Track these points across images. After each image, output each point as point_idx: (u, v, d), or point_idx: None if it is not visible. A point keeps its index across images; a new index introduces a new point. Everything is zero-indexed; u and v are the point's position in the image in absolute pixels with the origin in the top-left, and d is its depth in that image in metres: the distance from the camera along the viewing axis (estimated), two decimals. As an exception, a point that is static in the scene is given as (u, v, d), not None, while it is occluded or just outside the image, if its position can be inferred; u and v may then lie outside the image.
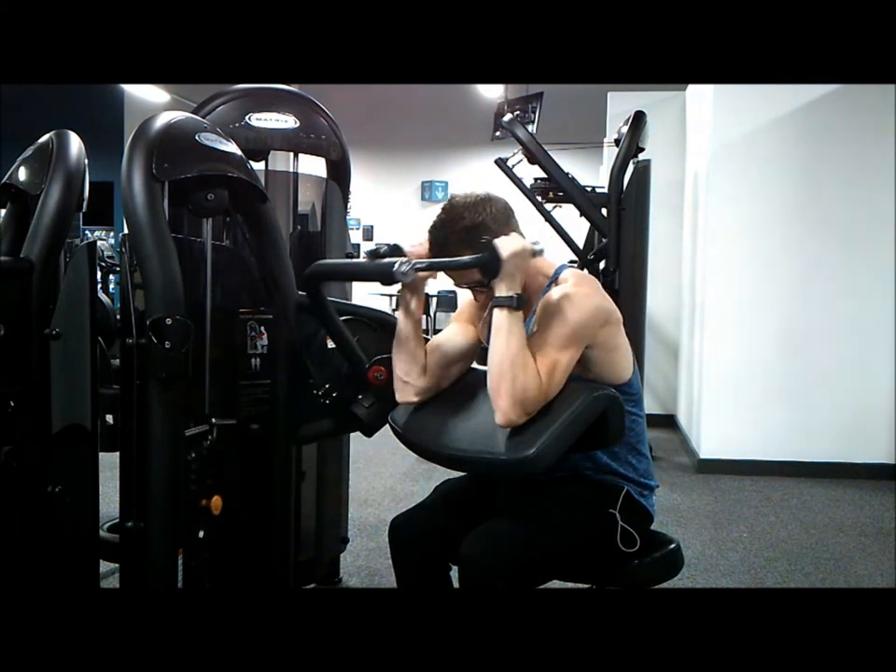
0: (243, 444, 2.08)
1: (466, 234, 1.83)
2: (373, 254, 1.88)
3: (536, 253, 1.79)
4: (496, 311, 1.77)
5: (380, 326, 2.27)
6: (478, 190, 1.90)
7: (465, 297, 2.12)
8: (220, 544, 1.96)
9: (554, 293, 1.83)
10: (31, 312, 1.88)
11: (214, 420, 1.94)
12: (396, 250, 1.90)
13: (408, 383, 1.94)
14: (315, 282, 2.05)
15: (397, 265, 1.80)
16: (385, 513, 3.91)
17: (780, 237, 4.89)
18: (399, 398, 1.97)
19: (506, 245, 1.74)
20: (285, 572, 2.21)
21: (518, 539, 1.76)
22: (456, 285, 1.94)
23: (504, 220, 1.88)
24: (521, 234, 1.90)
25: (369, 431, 2.17)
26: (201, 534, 1.87)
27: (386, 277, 1.82)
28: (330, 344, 2.19)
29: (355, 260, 1.96)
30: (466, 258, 1.79)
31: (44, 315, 1.89)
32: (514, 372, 1.71)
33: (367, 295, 11.23)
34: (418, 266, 1.83)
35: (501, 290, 1.76)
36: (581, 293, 1.81)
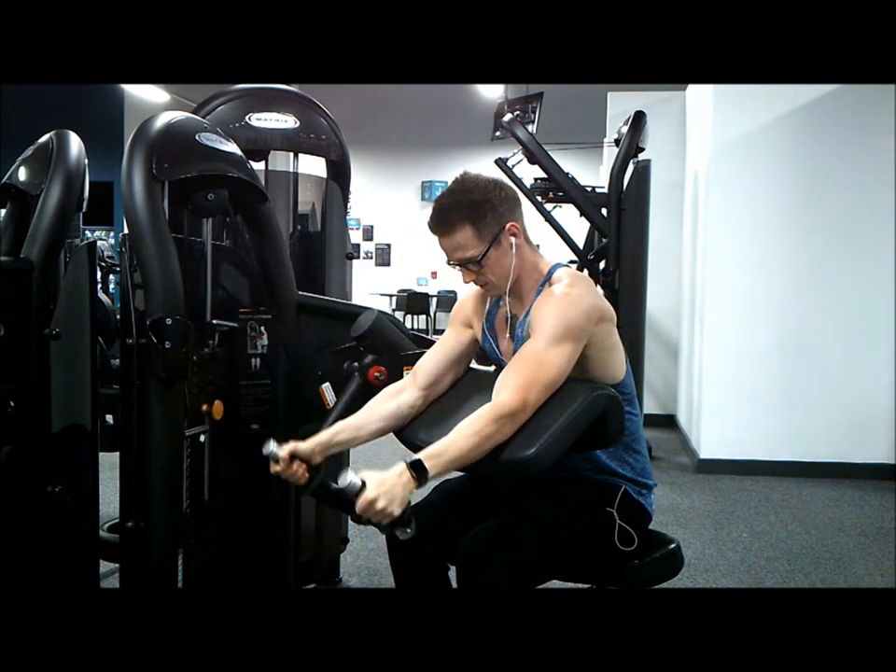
0: (243, 444, 2.08)
1: (469, 208, 1.84)
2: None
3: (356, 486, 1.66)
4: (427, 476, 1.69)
5: (340, 317, 2.26)
6: (490, 174, 1.92)
7: (462, 297, 2.12)
8: (221, 544, 1.96)
9: (548, 292, 1.84)
10: (31, 312, 1.88)
11: (215, 322, 1.94)
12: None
13: (398, 415, 1.95)
14: None
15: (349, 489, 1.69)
16: (384, 513, 3.90)
17: (780, 237, 4.89)
18: None
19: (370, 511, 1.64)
20: (285, 572, 2.21)
21: (517, 538, 1.76)
22: (447, 263, 1.93)
23: (510, 206, 1.88)
24: (522, 226, 1.90)
25: None
26: (202, 437, 1.88)
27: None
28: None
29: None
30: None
31: (44, 314, 1.89)
32: (483, 435, 1.68)
33: (367, 295, 11.27)
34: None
35: (405, 494, 1.66)
36: (574, 292, 1.82)
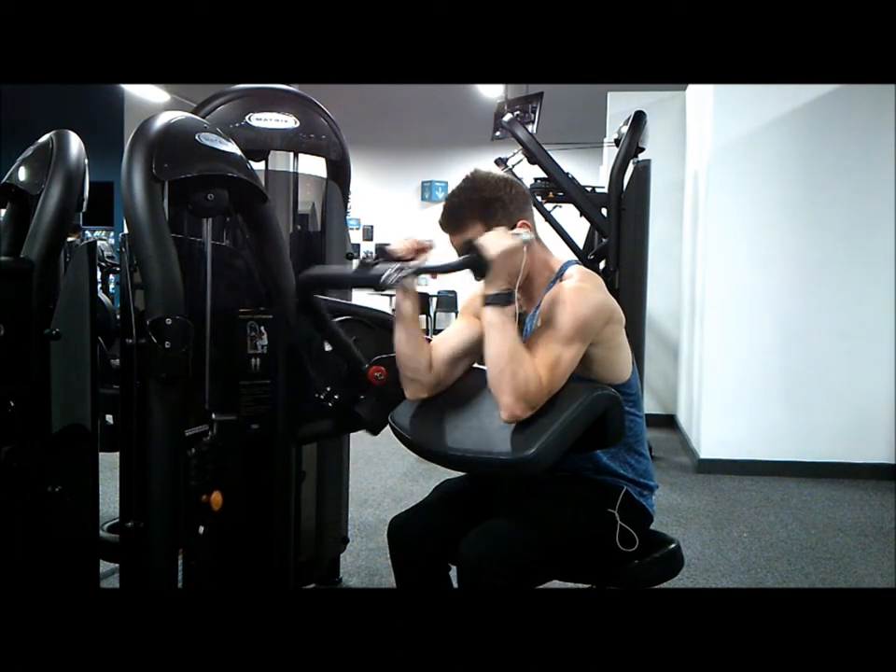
0: (243, 444, 2.08)
1: (480, 206, 1.84)
2: (364, 263, 1.88)
3: (526, 242, 1.78)
4: (487, 309, 1.77)
5: (378, 325, 2.27)
6: (501, 172, 1.92)
7: (467, 294, 2.12)
8: (221, 544, 1.96)
9: (559, 288, 1.83)
10: (31, 312, 1.88)
11: (214, 416, 1.94)
12: (383, 254, 1.90)
13: (415, 380, 1.94)
14: (307, 290, 2.06)
15: (384, 275, 1.79)
16: (384, 513, 3.91)
17: (780, 237, 4.89)
18: (408, 395, 1.97)
19: (492, 244, 1.73)
20: (285, 572, 2.21)
21: (517, 538, 1.76)
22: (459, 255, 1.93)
23: (520, 204, 1.88)
24: (532, 224, 1.90)
25: (374, 429, 2.17)
26: (201, 529, 1.87)
27: (376, 285, 1.82)
28: (328, 347, 2.19)
29: (345, 269, 2.02)
30: (455, 261, 1.78)
31: (44, 315, 1.89)
32: (513, 367, 1.71)
33: (367, 295, 11.27)
34: (405, 273, 1.81)
35: (490, 289, 1.75)
36: (586, 289, 1.82)
